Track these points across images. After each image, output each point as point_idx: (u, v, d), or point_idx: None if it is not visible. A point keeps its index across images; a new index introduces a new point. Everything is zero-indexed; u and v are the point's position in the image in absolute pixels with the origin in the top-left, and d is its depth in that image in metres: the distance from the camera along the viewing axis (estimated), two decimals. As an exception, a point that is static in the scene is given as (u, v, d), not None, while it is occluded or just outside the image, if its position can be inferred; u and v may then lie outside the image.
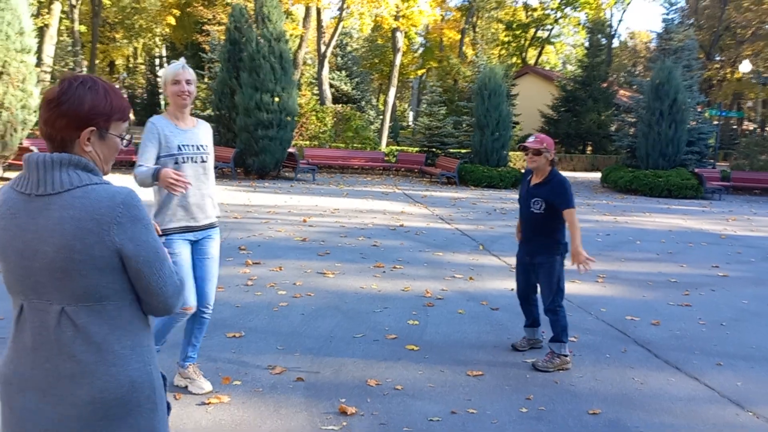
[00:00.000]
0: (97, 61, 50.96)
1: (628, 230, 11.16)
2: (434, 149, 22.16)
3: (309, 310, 5.37)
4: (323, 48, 24.94)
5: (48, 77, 28.12)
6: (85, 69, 32.06)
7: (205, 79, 21.32)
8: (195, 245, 3.47)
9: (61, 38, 33.50)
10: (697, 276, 7.54)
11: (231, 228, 9.20)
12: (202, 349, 4.26)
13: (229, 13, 18.99)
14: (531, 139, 4.34)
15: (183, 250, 3.37)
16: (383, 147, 25.10)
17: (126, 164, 16.22)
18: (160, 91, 41.80)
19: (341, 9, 24.46)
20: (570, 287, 6.59)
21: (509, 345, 4.71)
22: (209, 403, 3.46)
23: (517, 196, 4.64)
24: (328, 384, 3.83)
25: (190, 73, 3.34)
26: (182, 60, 3.48)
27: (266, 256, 7.40)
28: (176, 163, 3.31)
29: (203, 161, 3.44)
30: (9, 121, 12.38)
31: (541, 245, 4.36)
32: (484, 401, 3.70)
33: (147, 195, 2.99)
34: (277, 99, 16.06)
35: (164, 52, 51.41)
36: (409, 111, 60.26)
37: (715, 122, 37.41)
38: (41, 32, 30.79)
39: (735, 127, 43.14)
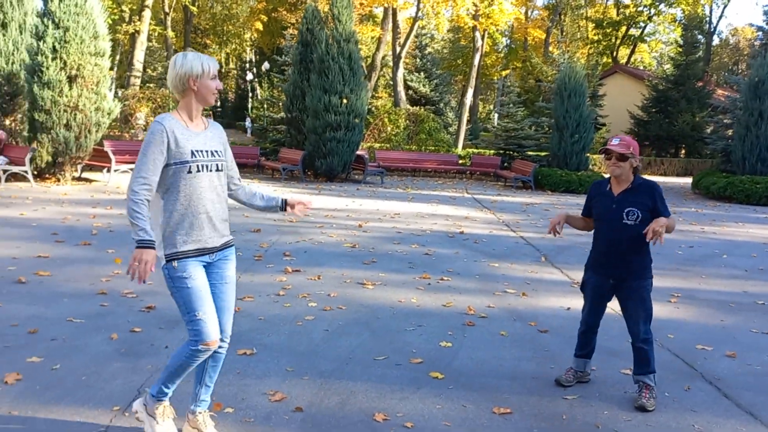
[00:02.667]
0: (189, 67, 53.16)
1: (715, 242, 10.09)
2: (511, 152, 21.34)
3: (335, 325, 4.98)
4: (398, 49, 24.61)
5: (138, 81, 29.35)
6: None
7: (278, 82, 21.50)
8: (209, 268, 2.96)
9: (151, 44, 35.00)
10: (792, 298, 6.57)
11: (282, 232, 8.97)
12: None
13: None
14: (615, 141, 3.72)
15: (199, 275, 2.86)
16: (459, 149, 24.50)
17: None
18: (250, 95, 43.00)
19: (417, 9, 24.05)
20: (636, 308, 5.88)
21: (551, 377, 4.12)
22: (190, 433, 3.11)
23: None
24: (329, 417, 3.40)
25: None
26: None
27: (308, 264, 7.08)
28: (189, 172, 2.80)
29: (218, 169, 2.94)
30: (84, 123, 12.77)
31: (634, 266, 3.72)
32: (504, 447, 3.17)
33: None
34: (344, 101, 15.84)
35: (253, 57, 52.85)
36: (494, 113, 59.20)
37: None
38: (132, 38, 32.27)
39: None
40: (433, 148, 22.78)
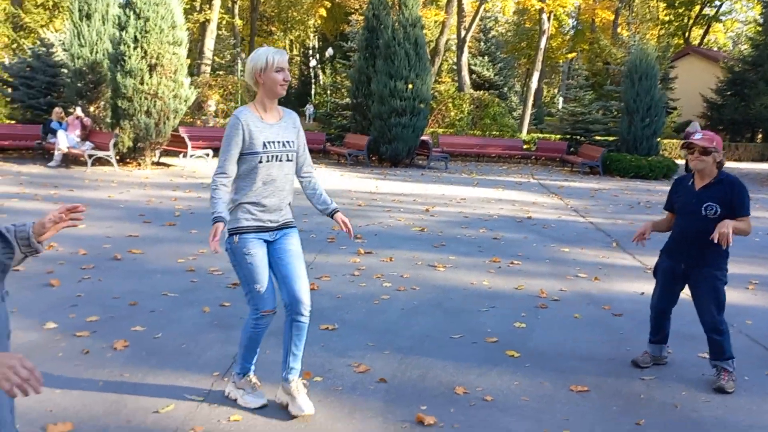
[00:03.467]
0: (256, 54, 54.24)
1: (796, 230, 9.74)
2: (578, 137, 20.96)
3: (410, 305, 5.15)
4: (463, 33, 24.44)
5: (208, 69, 30.22)
6: (240, 61, 34.02)
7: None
8: (271, 246, 3.18)
9: (220, 32, 35.91)
10: None
11: (352, 215, 9.20)
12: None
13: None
14: (698, 135, 3.74)
15: (259, 250, 3.09)
16: (524, 134, 24.22)
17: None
18: (313, 82, 43.61)
19: (483, -8, 23.82)
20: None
21: (627, 359, 4.17)
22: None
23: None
24: (411, 388, 3.58)
25: (287, 61, 3.11)
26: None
27: (380, 246, 7.27)
28: (260, 162, 3.04)
29: (289, 159, 3.15)
30: (162, 110, 13.35)
31: (709, 256, 3.74)
32: (584, 423, 3.26)
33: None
34: (410, 86, 15.94)
35: (316, 43, 53.44)
36: (558, 97, 57.98)
37: None
38: (203, 27, 33.20)
39: None
40: (497, 133, 22.60)
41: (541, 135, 24.74)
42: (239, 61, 32.55)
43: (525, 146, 21.61)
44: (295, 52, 58.73)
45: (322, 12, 41.49)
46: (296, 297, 3.12)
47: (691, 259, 3.78)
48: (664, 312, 4.02)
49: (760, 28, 30.61)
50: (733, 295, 5.80)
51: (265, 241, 3.16)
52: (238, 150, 3.04)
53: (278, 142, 3.11)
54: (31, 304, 4.68)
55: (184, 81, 13.77)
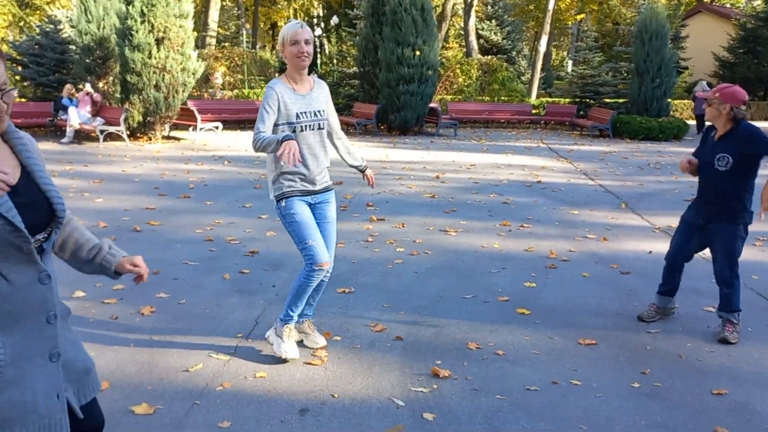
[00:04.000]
0: (262, 24, 53.87)
1: (806, 187, 9.75)
2: (587, 100, 20.82)
3: (423, 268, 5.30)
4: (469, -3, 24.16)
5: (213, 41, 30.11)
6: (245, 32, 33.85)
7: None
8: (313, 209, 3.43)
9: (224, 2, 35.62)
10: None
11: (363, 184, 9.32)
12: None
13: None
14: (705, 87, 3.85)
15: (304, 210, 3.34)
16: (533, 99, 24.08)
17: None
18: (318, 51, 43.29)
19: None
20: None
21: (634, 314, 4.31)
22: (308, 360, 3.53)
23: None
24: (426, 345, 3.75)
25: (309, 33, 3.17)
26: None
27: (392, 212, 7.41)
28: (294, 131, 3.25)
29: (320, 128, 3.37)
30: (171, 84, 13.44)
31: (725, 210, 3.82)
32: (592, 373, 3.42)
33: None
34: (417, 52, 15.89)
35: (321, 12, 52.93)
36: (567, 60, 57.23)
37: None
38: (206, -1, 32.90)
39: None
40: (506, 98, 22.49)
41: (550, 99, 24.59)
42: (243, 32, 32.37)
43: (534, 111, 21.51)
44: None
45: (326, -21, 40.92)
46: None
47: (710, 211, 3.87)
48: (675, 263, 4.11)
49: (773, -17, 30.00)
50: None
51: (308, 203, 3.41)
52: (274, 119, 3.23)
53: (310, 112, 3.33)
54: (58, 274, 4.86)
55: (192, 54, 13.81)
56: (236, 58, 22.17)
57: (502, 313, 4.29)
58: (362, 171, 3.74)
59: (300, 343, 3.64)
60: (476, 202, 8.19)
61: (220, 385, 3.18)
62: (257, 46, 41.83)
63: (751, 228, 3.79)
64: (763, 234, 6.59)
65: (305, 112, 3.29)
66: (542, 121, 20.83)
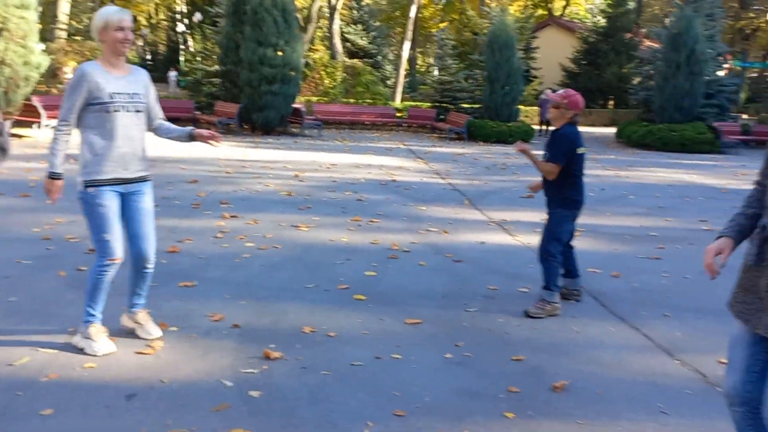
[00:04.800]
0: (117, 18, 51.02)
1: (625, 185, 11.00)
2: (446, 104, 21.89)
3: (271, 261, 5.46)
4: (333, 1, 24.53)
5: (64, 34, 28.22)
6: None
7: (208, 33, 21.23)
8: (125, 200, 3.41)
9: (77, -6, 33.52)
10: (680, 230, 7.44)
11: (220, 182, 9.30)
12: (149, 298, 4.37)
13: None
14: (558, 91, 4.35)
15: (112, 203, 3.31)
16: (397, 102, 24.87)
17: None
18: (182, 47, 41.87)
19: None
20: (542, 240, 6.58)
21: (460, 296, 4.74)
22: (142, 350, 3.57)
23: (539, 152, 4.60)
24: (263, 331, 3.92)
25: (131, 20, 3.28)
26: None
27: (246, 210, 7.48)
28: (107, 112, 3.23)
29: (137, 111, 3.37)
30: (11, 77, 12.55)
31: (550, 198, 4.49)
32: (412, 348, 3.76)
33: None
34: (279, 53, 15.96)
35: (184, 8, 51.13)
36: (434, 66, 59.41)
37: (753, 74, 35.70)
38: (56, -11, 30.77)
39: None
40: (370, 101, 23.08)
41: (413, 103, 25.52)
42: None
43: (398, 114, 22.27)
44: (162, 16, 55.88)
45: (190, -26, 39.71)
46: (143, 255, 3.54)
47: (546, 199, 4.53)
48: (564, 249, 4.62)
49: (611, 1, 33.11)
50: (559, 241, 6.61)
51: (120, 194, 3.38)
52: (82, 101, 3.23)
53: (126, 93, 3.32)
54: None
55: (36, 47, 12.97)
56: (87, 53, 20.99)
57: (339, 300, 4.55)
58: (192, 136, 3.58)
59: (133, 333, 3.68)
60: (331, 200, 8.45)
61: (46, 377, 3.16)
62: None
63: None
64: (582, 226, 7.38)
65: (120, 93, 3.28)
66: (405, 124, 21.63)
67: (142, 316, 3.71)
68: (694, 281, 5.40)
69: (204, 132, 3.55)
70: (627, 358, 3.74)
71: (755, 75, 44.75)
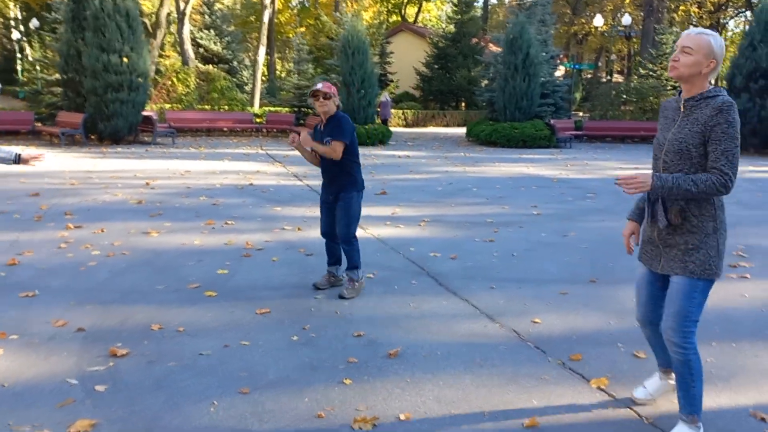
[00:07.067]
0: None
1: (470, 179, 11.83)
2: (305, 108, 22.13)
3: (119, 267, 5.41)
4: (182, 6, 23.96)
5: None
6: None
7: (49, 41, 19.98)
8: None
9: None
10: (513, 216, 8.21)
11: (64, 194, 8.90)
12: (-16, 310, 4.24)
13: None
14: (320, 85, 4.56)
15: None
16: (256, 108, 24.73)
17: None
18: (19, 56, 38.70)
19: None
20: (392, 231, 7.04)
21: (309, 285, 5.01)
22: (-25, 358, 3.49)
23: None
24: (110, 332, 3.94)
25: None
26: None
27: (91, 220, 7.27)
28: None
29: None
30: None
31: (342, 184, 4.68)
32: (260, 334, 3.97)
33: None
34: (125, 59, 15.40)
35: (18, 14, 47.30)
36: (294, 71, 59.28)
37: (588, 75, 39.22)
38: None
39: (605, 80, 45.89)
40: (227, 107, 22.80)
41: (272, 108, 25.51)
42: None
43: (257, 120, 22.18)
44: (-7, 22, 51.37)
45: (22, -23, 36.91)
46: None
47: (332, 187, 4.73)
48: (331, 237, 4.89)
49: (456, 8, 35.05)
50: (407, 231, 7.12)
51: None
52: None
53: None
54: None
55: None
56: None
57: (190, 298, 4.65)
58: (18, 161, 3.60)
59: None
60: (185, 206, 8.39)
61: None
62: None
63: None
64: (427, 216, 7.95)
65: None
66: (264, 129, 21.60)
67: None
68: (520, 257, 6.06)
69: (32, 153, 3.58)
70: (454, 325, 4.19)
71: (590, 76, 49.25)
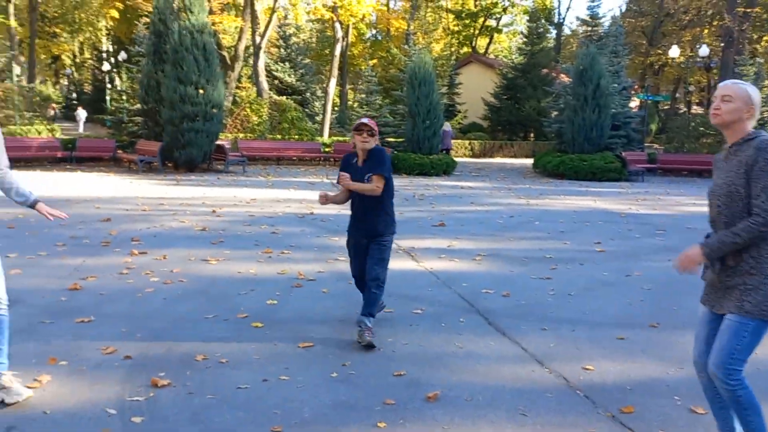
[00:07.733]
0: (43, 56, 49.78)
1: (533, 212, 11.57)
2: (370, 139, 22.34)
3: (174, 294, 5.54)
4: (258, 39, 24.87)
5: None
6: (18, 66, 31.29)
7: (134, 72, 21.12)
8: None
9: (-7, 34, 32.70)
10: (574, 252, 7.92)
11: (134, 220, 9.27)
12: (41, 334, 4.41)
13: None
14: (366, 120, 4.56)
15: None
16: (325, 137, 25.22)
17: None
18: (108, 86, 41.17)
19: None
20: (446, 264, 6.95)
21: (354, 318, 4.94)
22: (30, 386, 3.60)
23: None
24: (155, 361, 4.01)
25: None
26: None
27: (156, 246, 7.51)
28: None
29: None
30: None
31: (376, 223, 4.55)
32: (301, 369, 3.93)
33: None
34: (201, 91, 16.06)
35: (110, 46, 50.43)
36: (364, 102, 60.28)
37: (665, 107, 37.99)
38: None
39: (683, 112, 44.38)
40: (297, 136, 23.35)
41: (341, 138, 25.94)
42: (15, 65, 29.90)
43: (325, 149, 22.60)
44: (87, 55, 54.94)
45: (114, 13, 39.33)
46: None
47: (367, 226, 4.58)
48: (362, 277, 4.70)
49: (526, 39, 34.89)
50: (462, 265, 7.00)
51: None
52: None
53: None
54: None
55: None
56: (1, 92, 20.46)
57: (237, 328, 4.69)
58: (32, 206, 3.53)
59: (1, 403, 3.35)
60: (246, 234, 8.57)
61: None
62: (36, 81, 38.68)
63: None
64: (484, 250, 7.78)
65: None
66: (332, 159, 21.95)
67: (7, 378, 3.36)
68: (576, 296, 5.81)
69: (50, 210, 3.59)
70: (500, 368, 4.03)
71: (667, 108, 47.72)
